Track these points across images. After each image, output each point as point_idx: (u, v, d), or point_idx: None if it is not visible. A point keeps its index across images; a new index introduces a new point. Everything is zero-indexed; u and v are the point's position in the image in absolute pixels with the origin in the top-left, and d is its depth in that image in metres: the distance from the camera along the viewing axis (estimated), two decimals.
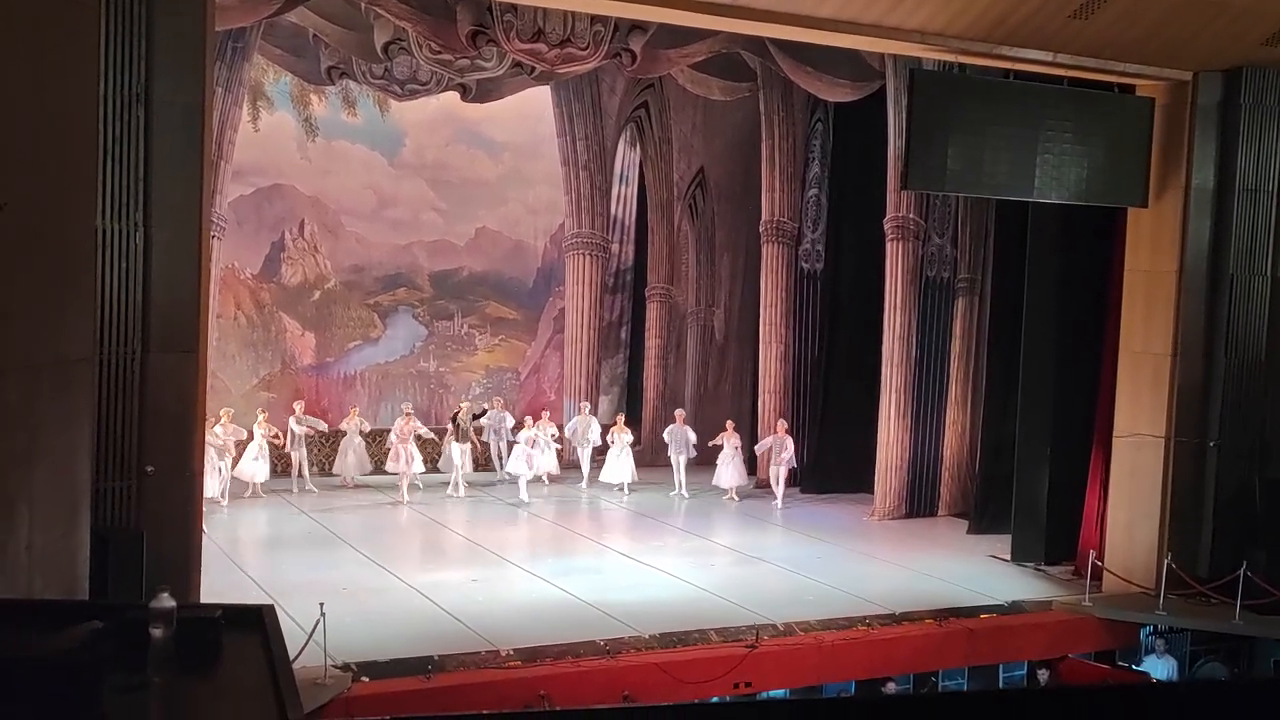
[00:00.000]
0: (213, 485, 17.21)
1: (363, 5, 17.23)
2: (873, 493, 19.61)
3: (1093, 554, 15.50)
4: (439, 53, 18.08)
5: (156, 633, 4.86)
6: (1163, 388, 15.50)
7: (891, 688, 13.48)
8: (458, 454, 19.77)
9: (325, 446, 20.35)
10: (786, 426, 20.18)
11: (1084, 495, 16.66)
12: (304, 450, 19.57)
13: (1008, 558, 17.03)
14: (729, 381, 23.20)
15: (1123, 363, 15.89)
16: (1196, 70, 15.15)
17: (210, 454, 17.30)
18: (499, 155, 21.96)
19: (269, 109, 20.09)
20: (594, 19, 17.64)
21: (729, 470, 19.97)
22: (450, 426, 20.14)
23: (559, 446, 20.82)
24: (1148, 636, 15.14)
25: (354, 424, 20.08)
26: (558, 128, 21.64)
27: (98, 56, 9.96)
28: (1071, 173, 14.88)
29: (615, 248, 22.85)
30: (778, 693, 13.03)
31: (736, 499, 19.94)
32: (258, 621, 5.43)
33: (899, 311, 19.31)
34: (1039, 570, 16.61)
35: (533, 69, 18.78)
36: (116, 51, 10.56)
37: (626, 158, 22.67)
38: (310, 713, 10.25)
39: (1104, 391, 16.44)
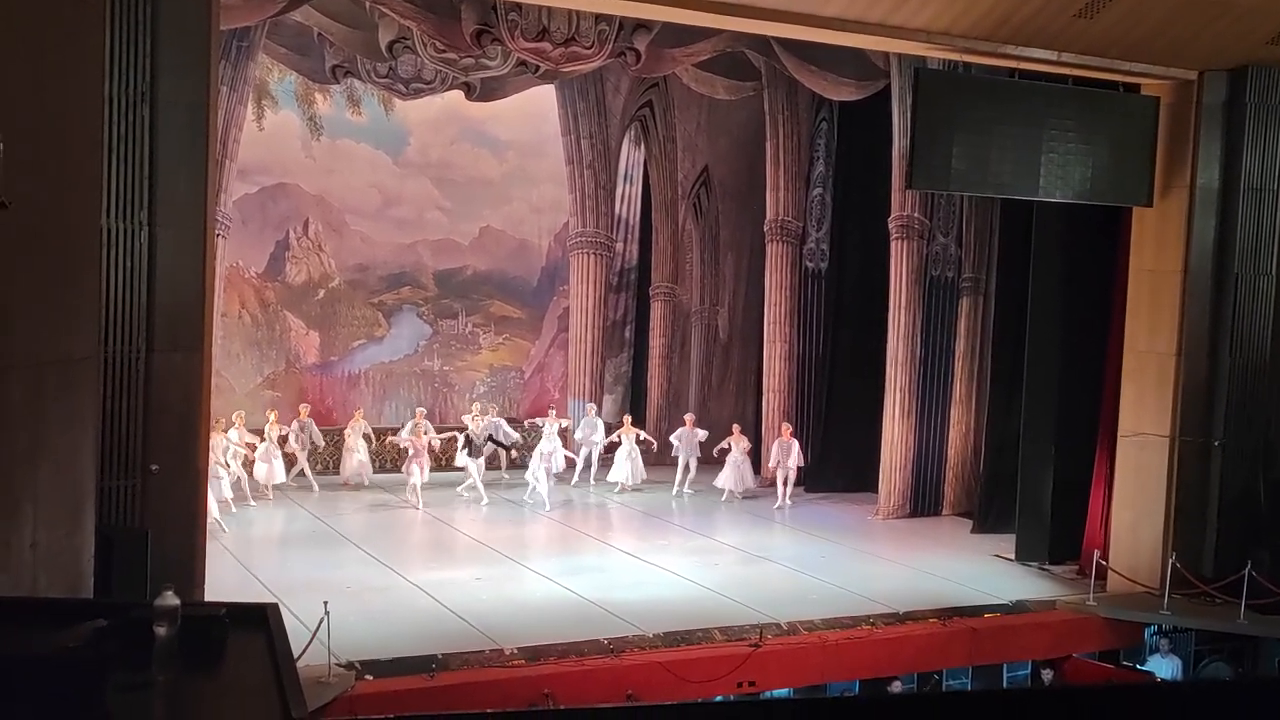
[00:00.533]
0: (225, 489, 17.08)
1: (367, 4, 17.23)
2: (877, 492, 19.60)
3: (1097, 553, 15.49)
4: (443, 51, 18.08)
5: (161, 631, 4.87)
6: (1167, 387, 15.49)
7: (897, 687, 13.48)
8: (474, 469, 19.26)
9: (329, 446, 20.28)
10: (792, 430, 20.13)
11: (1088, 495, 16.65)
12: (306, 459, 19.53)
13: (1012, 557, 17.02)
14: (733, 380, 23.19)
15: (1127, 362, 15.87)
16: (1201, 69, 15.13)
17: (228, 461, 17.27)
18: (503, 154, 21.96)
19: (274, 108, 20.10)
20: (598, 18, 17.63)
21: (733, 474, 19.87)
22: (463, 443, 19.51)
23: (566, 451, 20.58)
24: (1152, 636, 15.12)
25: (358, 427, 19.90)
26: (562, 127, 21.63)
27: (102, 55, 9.98)
28: (1076, 172, 14.86)
29: (619, 247, 22.84)
30: (781, 692, 13.02)
31: (739, 496, 19.83)
32: (262, 620, 5.45)
33: (903, 311, 19.30)
34: (1043, 570, 16.60)
35: (537, 68, 18.77)
36: (121, 50, 10.58)
37: (631, 157, 22.65)
38: (314, 711, 10.26)
39: (1108, 391, 16.43)
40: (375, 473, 20.11)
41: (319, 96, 20.38)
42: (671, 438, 20.70)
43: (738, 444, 19.91)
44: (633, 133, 22.39)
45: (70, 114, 8.41)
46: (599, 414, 21.33)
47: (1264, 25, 14.52)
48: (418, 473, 18.68)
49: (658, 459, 21.21)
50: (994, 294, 19.60)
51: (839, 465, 21.08)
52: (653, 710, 6.84)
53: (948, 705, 5.60)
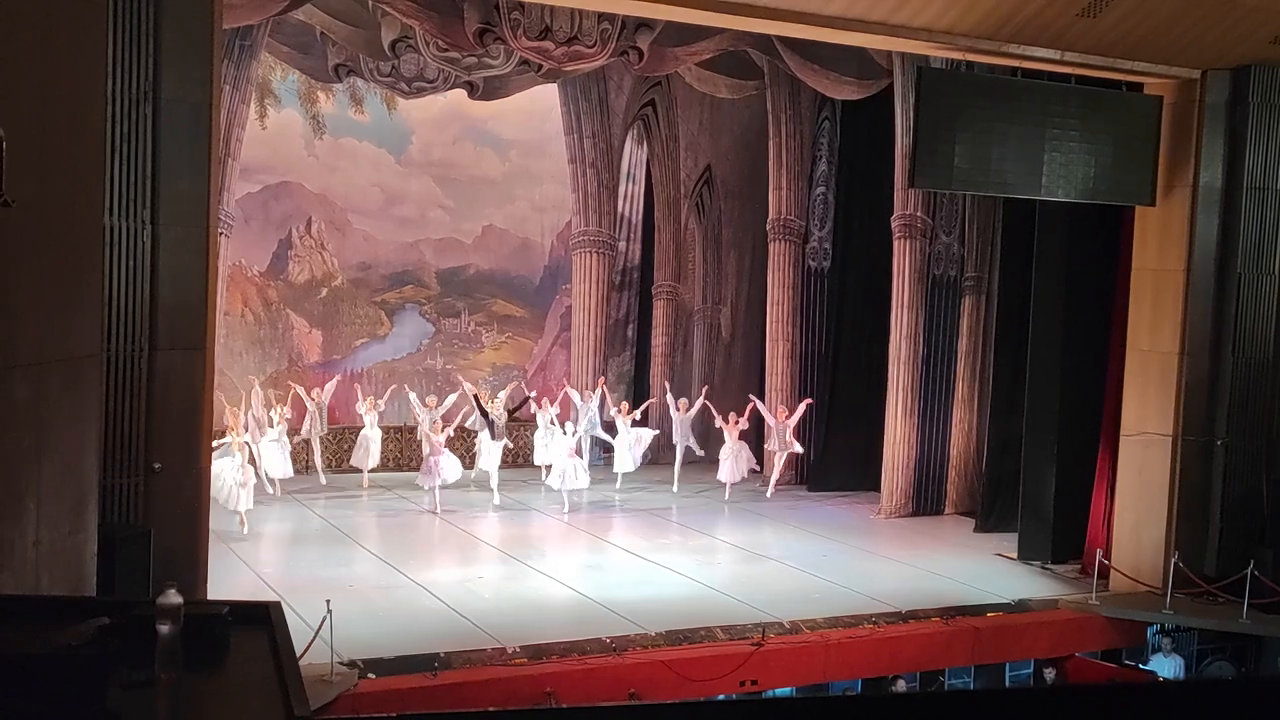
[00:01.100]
0: (246, 499, 16.34)
1: (370, 3, 17.26)
2: (879, 491, 19.59)
3: (1099, 552, 15.49)
4: (446, 50, 18.09)
5: (163, 629, 4.87)
6: (1170, 386, 15.48)
7: (902, 686, 13.48)
8: (489, 453, 18.71)
9: (333, 444, 20.25)
10: (787, 413, 20.04)
11: (1091, 494, 16.65)
12: (318, 443, 19.44)
13: (1014, 556, 17.01)
14: (735, 379, 23.18)
15: (1130, 361, 15.87)
16: (1204, 68, 15.12)
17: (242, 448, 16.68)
18: (506, 153, 21.96)
19: (276, 106, 20.10)
20: (601, 17, 17.64)
21: (730, 465, 19.81)
22: (479, 417, 19.00)
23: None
24: (1154, 635, 15.13)
25: (372, 415, 19.70)
26: (565, 125, 21.63)
27: (105, 54, 9.98)
28: (1079, 171, 14.85)
29: (622, 245, 22.85)
30: (783, 691, 13.02)
31: (744, 476, 19.80)
32: (264, 618, 5.46)
33: (906, 310, 19.29)
34: (1045, 569, 16.59)
35: (540, 67, 18.78)
36: (124, 49, 10.59)
37: (633, 155, 22.65)
38: (317, 709, 10.27)
39: (1111, 390, 16.42)
40: (388, 470, 19.92)
41: (321, 95, 20.37)
42: (667, 400, 20.56)
43: (730, 433, 19.84)
44: (635, 131, 22.39)
45: (73, 113, 8.41)
46: (593, 398, 21.20)
47: (1267, 24, 14.51)
48: (439, 471, 17.89)
49: (655, 458, 21.16)
50: (996, 293, 19.58)
51: (841, 464, 21.07)
52: (655, 709, 6.83)
53: (950, 704, 5.60)
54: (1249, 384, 15.34)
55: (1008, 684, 14.51)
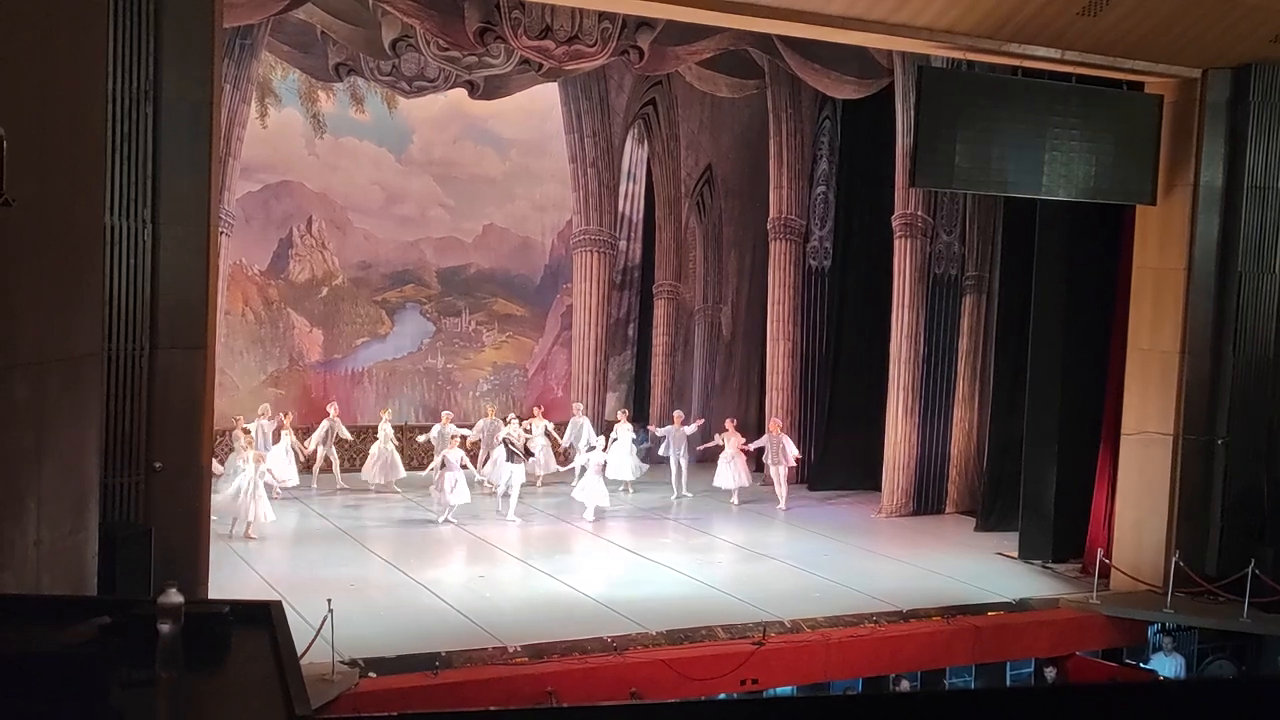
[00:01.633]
0: (266, 510, 16.38)
1: (370, 2, 17.25)
2: (880, 490, 19.59)
3: (1100, 552, 15.49)
4: (446, 49, 18.08)
5: (164, 628, 4.87)
6: (1171, 385, 15.48)
7: (905, 685, 13.48)
8: (508, 474, 18.33)
9: (353, 447, 20.16)
10: (781, 425, 20.02)
11: (1092, 493, 16.65)
12: (334, 449, 19.37)
13: (1015, 555, 17.01)
14: (736, 378, 23.19)
15: (1131, 360, 15.87)
16: (1205, 67, 15.12)
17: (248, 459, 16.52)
18: (506, 152, 21.96)
19: (277, 106, 20.10)
20: (601, 16, 17.63)
21: (730, 471, 19.71)
22: (502, 446, 18.62)
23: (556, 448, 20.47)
24: (1155, 634, 15.13)
25: (385, 429, 19.52)
26: (565, 125, 21.62)
27: (105, 53, 9.98)
28: (1080, 170, 14.85)
29: (623, 245, 22.85)
30: (784, 690, 13.02)
31: (737, 502, 19.62)
32: (265, 617, 5.46)
33: (907, 309, 19.29)
34: (1046, 568, 16.59)
35: (540, 66, 18.77)
36: (125, 48, 10.59)
37: (634, 155, 22.64)
38: (318, 709, 10.27)
39: (1112, 389, 16.42)
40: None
41: (322, 94, 20.37)
42: (659, 432, 20.53)
43: (729, 441, 19.77)
44: (636, 131, 22.39)
45: (73, 112, 8.41)
46: (600, 407, 21.19)
47: (1268, 23, 14.51)
48: (449, 493, 17.48)
49: (653, 458, 21.13)
50: (997, 292, 19.58)
51: (842, 463, 21.06)
52: (656, 708, 6.84)
53: (951, 703, 5.60)
54: (1249, 383, 15.34)
55: (1008, 683, 14.52)
